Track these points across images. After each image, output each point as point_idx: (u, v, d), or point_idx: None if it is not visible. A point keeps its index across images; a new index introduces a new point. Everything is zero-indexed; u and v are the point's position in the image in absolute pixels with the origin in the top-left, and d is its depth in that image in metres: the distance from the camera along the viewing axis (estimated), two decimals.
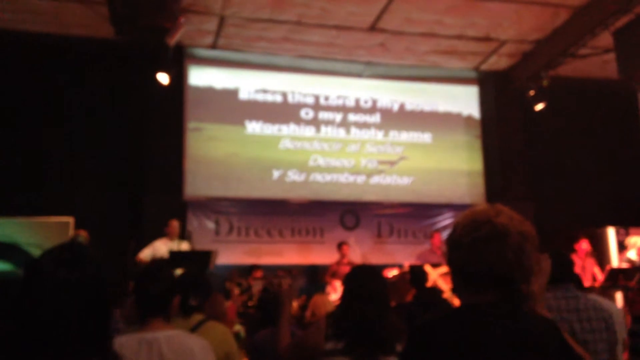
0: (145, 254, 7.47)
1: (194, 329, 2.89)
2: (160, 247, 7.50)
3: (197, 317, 3.01)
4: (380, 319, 2.58)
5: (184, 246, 7.70)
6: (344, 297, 2.75)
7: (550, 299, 2.85)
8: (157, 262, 3.83)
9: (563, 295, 2.94)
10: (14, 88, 8.39)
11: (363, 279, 2.72)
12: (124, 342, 2.21)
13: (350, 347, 2.54)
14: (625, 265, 8.02)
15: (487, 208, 1.56)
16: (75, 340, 1.30)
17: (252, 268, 8.33)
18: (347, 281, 2.77)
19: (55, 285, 1.31)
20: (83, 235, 7.28)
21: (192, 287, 3.15)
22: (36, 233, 7.80)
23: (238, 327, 6.84)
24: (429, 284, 6.18)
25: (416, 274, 5.43)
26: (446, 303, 5.14)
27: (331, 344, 2.58)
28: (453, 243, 1.55)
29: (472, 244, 1.49)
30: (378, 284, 2.72)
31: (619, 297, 8.29)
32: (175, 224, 7.71)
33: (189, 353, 2.23)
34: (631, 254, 8.36)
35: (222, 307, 3.64)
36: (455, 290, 1.56)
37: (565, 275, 2.98)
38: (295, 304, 7.20)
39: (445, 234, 9.74)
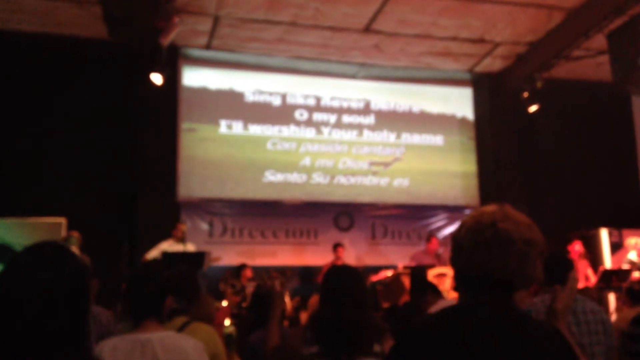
0: (152, 255, 7.48)
1: (179, 331, 2.85)
2: (167, 249, 7.52)
3: (181, 319, 2.96)
4: (356, 319, 2.52)
5: (190, 248, 7.76)
6: (320, 299, 2.71)
7: (548, 301, 2.84)
8: (148, 264, 3.78)
9: None
10: (5, 88, 8.32)
11: (338, 280, 2.67)
12: (117, 344, 2.20)
13: (326, 350, 2.49)
14: (626, 267, 7.99)
15: (494, 210, 1.51)
16: (51, 340, 1.27)
17: (241, 268, 8.20)
18: (323, 283, 2.72)
19: (30, 285, 1.28)
20: (75, 236, 7.25)
21: (176, 289, 3.11)
22: (28, 234, 7.73)
23: (230, 329, 6.83)
24: None
25: (417, 276, 5.41)
26: None
27: (309, 347, 2.52)
28: (456, 244, 1.53)
29: (474, 247, 1.47)
30: (354, 283, 2.66)
31: (612, 298, 8.33)
32: (182, 227, 7.87)
33: (183, 354, 2.21)
34: (632, 255, 8.30)
35: (211, 309, 3.59)
36: (455, 289, 1.55)
37: (564, 277, 2.97)
38: (289, 305, 7.20)
39: (441, 237, 9.77)
